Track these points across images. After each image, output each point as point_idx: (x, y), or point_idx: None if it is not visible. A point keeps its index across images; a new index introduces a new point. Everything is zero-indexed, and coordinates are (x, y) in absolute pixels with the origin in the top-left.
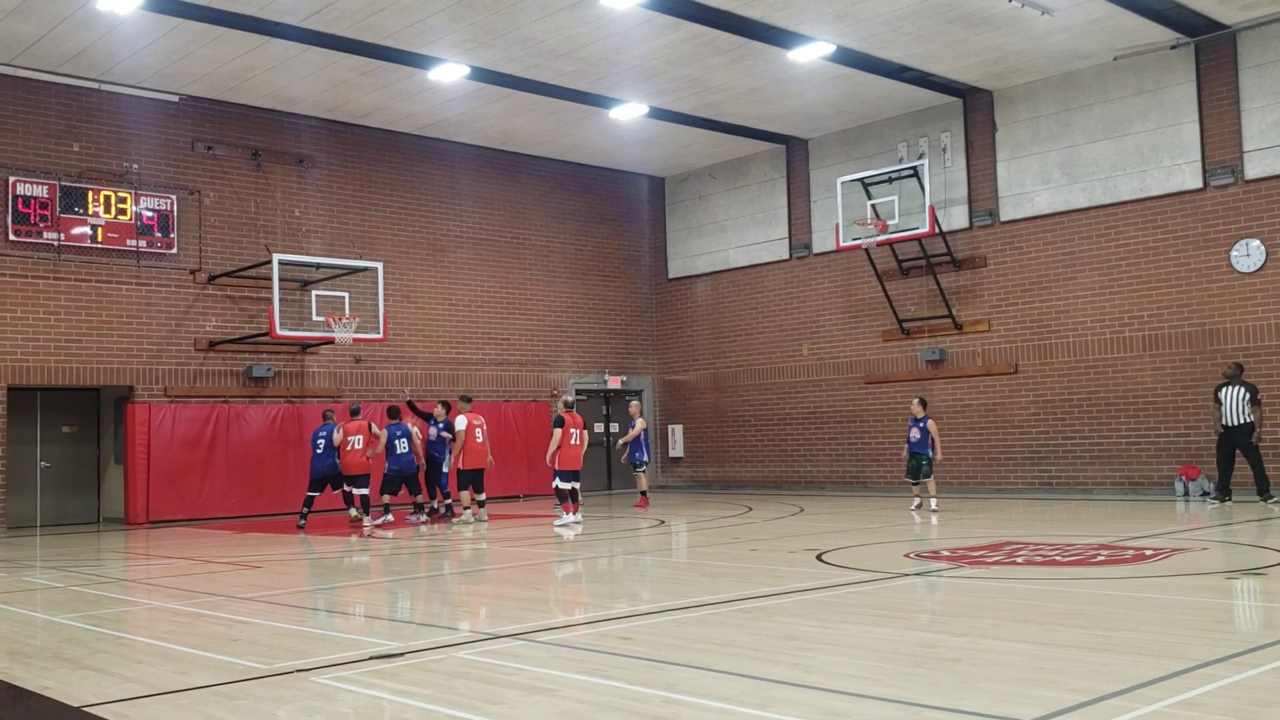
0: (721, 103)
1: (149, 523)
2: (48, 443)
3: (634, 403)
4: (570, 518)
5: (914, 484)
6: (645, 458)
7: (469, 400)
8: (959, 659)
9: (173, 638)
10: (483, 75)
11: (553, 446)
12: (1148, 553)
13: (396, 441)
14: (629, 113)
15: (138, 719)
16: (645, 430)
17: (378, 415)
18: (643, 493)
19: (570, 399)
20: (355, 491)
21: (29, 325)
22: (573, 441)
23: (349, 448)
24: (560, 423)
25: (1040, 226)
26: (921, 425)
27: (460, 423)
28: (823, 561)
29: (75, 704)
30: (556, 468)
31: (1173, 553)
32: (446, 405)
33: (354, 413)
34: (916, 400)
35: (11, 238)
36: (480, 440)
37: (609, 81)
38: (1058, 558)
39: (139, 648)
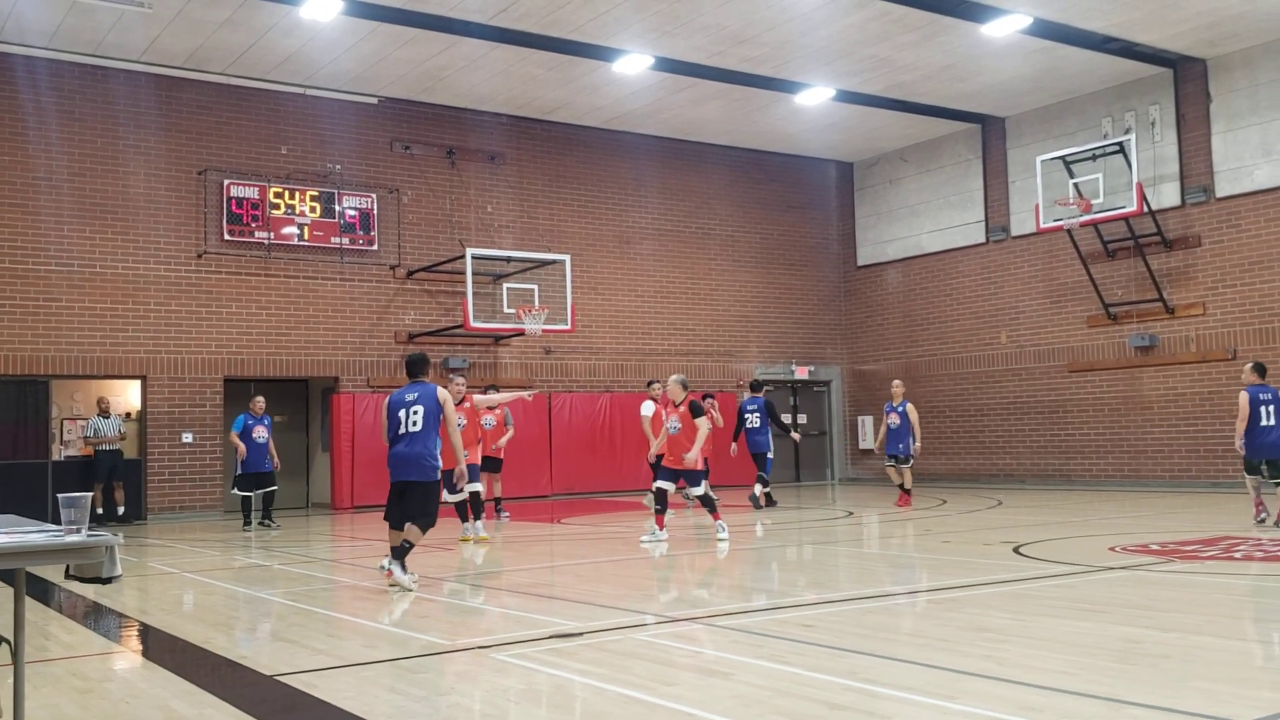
0: (912, 82)
1: (353, 508)
2: None
3: (896, 383)
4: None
5: None
6: (904, 449)
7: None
8: (1168, 655)
9: (365, 614)
10: (666, 65)
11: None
12: None
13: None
14: (815, 97)
15: (325, 688)
16: (902, 416)
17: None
18: (904, 489)
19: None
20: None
21: (242, 320)
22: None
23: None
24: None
25: (1261, 202)
26: None
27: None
28: (1020, 554)
29: (269, 673)
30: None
31: None
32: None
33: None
34: None
35: (226, 237)
36: (490, 427)
37: (794, 65)
38: None
39: (333, 622)
